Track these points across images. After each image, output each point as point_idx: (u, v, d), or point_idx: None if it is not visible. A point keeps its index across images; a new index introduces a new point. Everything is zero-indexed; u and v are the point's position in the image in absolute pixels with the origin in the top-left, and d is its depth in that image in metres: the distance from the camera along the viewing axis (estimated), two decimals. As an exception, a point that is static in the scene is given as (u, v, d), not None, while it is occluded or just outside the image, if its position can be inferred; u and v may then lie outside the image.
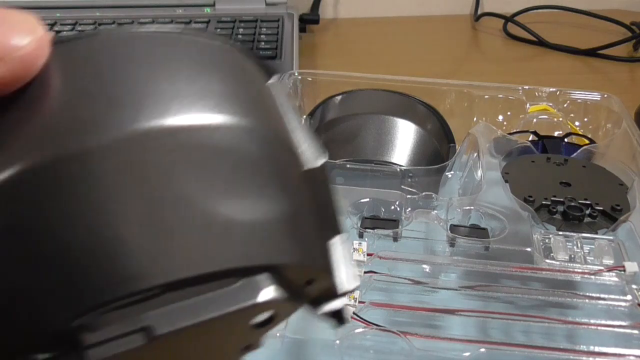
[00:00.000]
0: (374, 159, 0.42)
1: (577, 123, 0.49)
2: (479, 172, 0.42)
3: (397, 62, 0.71)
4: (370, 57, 0.72)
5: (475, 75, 0.67)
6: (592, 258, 0.36)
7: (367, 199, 0.39)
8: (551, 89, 0.50)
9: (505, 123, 0.49)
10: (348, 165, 0.41)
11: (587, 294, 0.33)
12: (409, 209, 0.39)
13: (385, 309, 0.32)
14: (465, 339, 0.30)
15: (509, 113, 0.49)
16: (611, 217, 0.38)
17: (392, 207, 0.39)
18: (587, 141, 0.47)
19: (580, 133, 0.48)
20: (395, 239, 0.37)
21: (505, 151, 0.45)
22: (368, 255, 0.35)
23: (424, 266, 0.35)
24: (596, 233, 0.37)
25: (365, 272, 0.34)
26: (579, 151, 0.45)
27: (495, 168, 0.42)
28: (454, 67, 0.73)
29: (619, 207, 0.38)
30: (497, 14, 0.83)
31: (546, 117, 0.48)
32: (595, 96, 0.49)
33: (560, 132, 0.48)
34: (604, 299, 0.32)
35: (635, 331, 0.31)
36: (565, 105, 0.49)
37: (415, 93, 0.49)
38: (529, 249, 0.35)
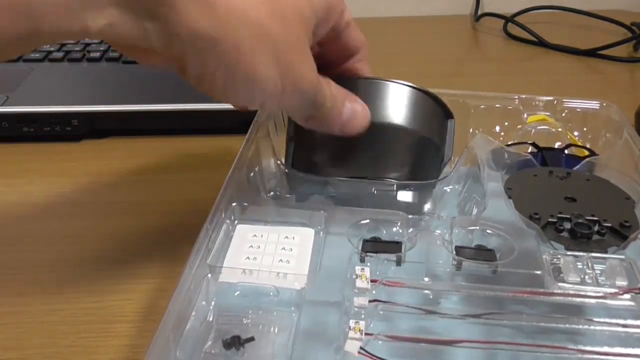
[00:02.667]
0: (367, 174, 0.41)
1: (576, 133, 0.49)
2: (482, 188, 0.41)
3: (396, 63, 0.70)
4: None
5: (475, 76, 0.67)
6: (604, 279, 0.35)
7: (367, 220, 0.38)
8: (548, 98, 0.49)
9: (502, 134, 0.49)
10: (341, 184, 0.40)
11: (602, 319, 0.32)
12: (411, 229, 0.37)
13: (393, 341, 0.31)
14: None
15: (506, 123, 0.49)
16: (620, 234, 0.38)
17: (394, 229, 0.37)
18: (587, 152, 0.46)
19: (580, 144, 0.47)
20: (398, 263, 0.35)
21: (503, 164, 0.44)
22: (372, 281, 0.34)
23: (427, 291, 0.34)
24: (606, 252, 0.36)
25: (370, 301, 0.32)
26: (581, 163, 0.44)
27: (496, 183, 0.41)
28: (453, 68, 0.72)
29: (627, 224, 0.38)
30: (497, 14, 0.83)
31: (545, 127, 0.48)
32: (594, 105, 0.49)
33: (560, 143, 0.47)
34: (620, 325, 0.32)
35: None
36: (563, 115, 0.49)
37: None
38: (539, 272, 0.34)
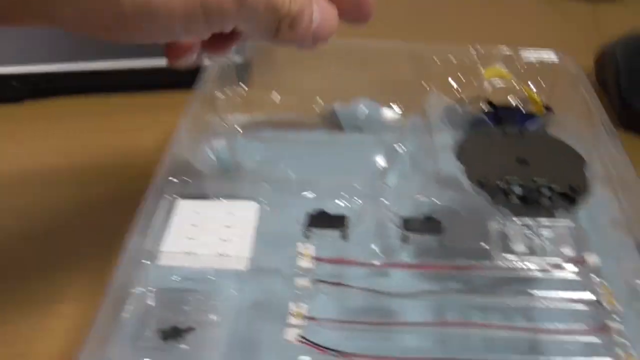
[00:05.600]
0: None
1: (534, 87, 0.48)
2: (433, 150, 0.40)
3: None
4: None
5: (431, 16, 0.65)
6: (553, 247, 0.35)
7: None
8: (505, 49, 0.49)
9: (457, 89, 0.48)
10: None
11: (546, 292, 0.32)
12: (359, 201, 0.37)
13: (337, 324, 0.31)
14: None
15: (462, 78, 0.48)
16: (570, 198, 0.38)
17: (336, 201, 0.37)
18: (543, 108, 0.46)
19: (537, 99, 0.47)
20: (344, 238, 0.35)
21: (456, 123, 0.44)
22: (316, 259, 0.34)
23: (373, 269, 0.34)
24: (554, 217, 0.37)
25: (313, 282, 0.32)
26: (536, 121, 0.44)
27: (447, 144, 0.41)
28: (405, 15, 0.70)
29: (577, 187, 0.38)
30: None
31: (501, 81, 0.47)
32: (551, 56, 0.48)
33: (515, 99, 0.47)
34: (562, 299, 0.32)
35: (594, 337, 0.30)
36: (519, 67, 0.48)
37: (357, 56, 0.47)
38: (486, 246, 0.34)
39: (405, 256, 0.36)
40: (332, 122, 0.50)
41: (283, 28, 0.30)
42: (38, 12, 0.27)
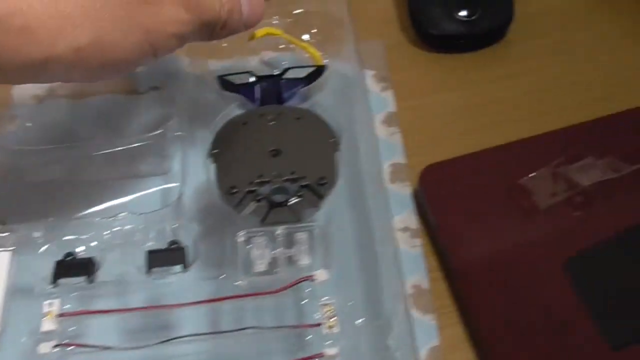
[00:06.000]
0: None
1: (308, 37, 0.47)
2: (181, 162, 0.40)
3: None
4: None
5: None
6: (291, 262, 0.36)
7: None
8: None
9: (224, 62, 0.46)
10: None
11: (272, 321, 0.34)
12: (106, 234, 0.38)
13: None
14: None
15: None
16: (318, 193, 0.38)
17: (88, 239, 0.38)
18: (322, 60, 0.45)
19: (314, 53, 0.45)
20: (90, 282, 0.37)
21: (217, 110, 0.43)
22: (60, 316, 0.35)
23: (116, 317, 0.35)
24: (299, 219, 0.38)
25: (55, 347, 0.34)
26: (296, 93, 0.43)
27: (202, 146, 0.41)
28: None
29: (323, 181, 0.38)
30: None
31: (273, 42, 0.46)
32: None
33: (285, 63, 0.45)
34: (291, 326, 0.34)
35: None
36: (289, 20, 0.46)
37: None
38: (222, 276, 0.36)
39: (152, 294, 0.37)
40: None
41: (217, 31, 0.34)
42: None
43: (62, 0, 0.28)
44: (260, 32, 0.45)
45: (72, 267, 0.37)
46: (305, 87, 0.44)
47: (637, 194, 0.41)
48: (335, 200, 0.39)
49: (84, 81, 0.31)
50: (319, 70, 0.45)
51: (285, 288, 0.35)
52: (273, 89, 0.44)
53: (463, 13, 0.52)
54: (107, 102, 0.48)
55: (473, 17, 0.52)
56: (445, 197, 0.43)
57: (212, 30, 0.34)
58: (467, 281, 0.39)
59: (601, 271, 0.38)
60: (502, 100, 0.50)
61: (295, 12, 0.47)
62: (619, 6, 0.56)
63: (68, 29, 0.28)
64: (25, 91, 0.48)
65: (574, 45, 0.53)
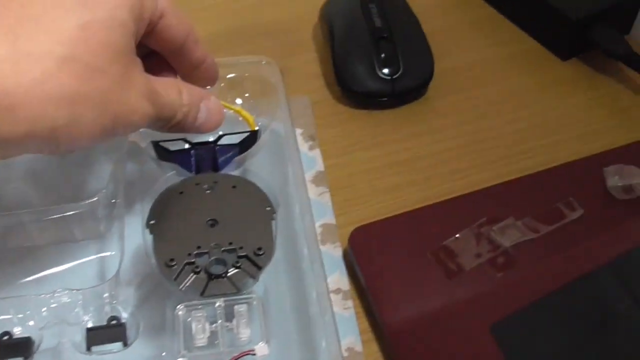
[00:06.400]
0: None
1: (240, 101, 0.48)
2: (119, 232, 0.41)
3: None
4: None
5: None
6: (231, 334, 0.37)
7: None
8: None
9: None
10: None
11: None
12: (44, 311, 0.38)
13: None
14: None
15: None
16: (255, 264, 0.39)
17: (25, 318, 0.38)
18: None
19: (247, 117, 0.46)
20: (27, 366, 0.36)
21: (154, 175, 0.43)
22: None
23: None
24: (239, 290, 0.38)
25: None
26: (229, 160, 0.44)
27: (139, 213, 0.41)
28: None
29: (261, 252, 0.39)
30: None
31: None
32: (253, 64, 0.48)
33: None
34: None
35: None
36: (222, 85, 0.47)
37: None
38: (163, 354, 0.36)
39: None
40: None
41: (168, 126, 0.37)
42: None
43: (49, 82, 0.29)
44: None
45: (9, 347, 0.36)
46: (240, 155, 0.45)
47: (556, 255, 0.44)
48: (272, 269, 0.40)
49: (49, 154, 0.33)
50: (253, 135, 0.46)
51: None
52: (208, 156, 0.45)
53: (385, 71, 0.54)
54: (38, 162, 0.48)
55: (395, 76, 0.54)
56: (374, 258, 0.44)
57: (166, 124, 0.36)
58: (398, 343, 0.41)
59: (527, 335, 0.40)
60: (425, 156, 0.52)
61: (228, 76, 0.48)
62: (533, 60, 0.60)
63: (49, 111, 0.29)
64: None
65: (491, 101, 0.56)
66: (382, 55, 0.55)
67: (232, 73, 0.48)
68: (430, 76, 0.56)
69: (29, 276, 0.42)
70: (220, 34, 0.61)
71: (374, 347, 0.42)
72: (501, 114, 0.55)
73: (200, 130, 0.39)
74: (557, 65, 0.59)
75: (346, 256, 0.46)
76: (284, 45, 0.60)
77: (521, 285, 0.42)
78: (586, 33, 0.57)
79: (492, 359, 0.39)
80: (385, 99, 0.55)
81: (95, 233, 0.44)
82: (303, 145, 0.51)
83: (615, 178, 0.47)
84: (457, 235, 0.45)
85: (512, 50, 0.60)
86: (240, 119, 0.47)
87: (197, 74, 0.40)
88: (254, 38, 0.61)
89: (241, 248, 0.39)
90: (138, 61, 0.34)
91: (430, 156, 0.52)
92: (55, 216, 0.42)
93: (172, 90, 0.36)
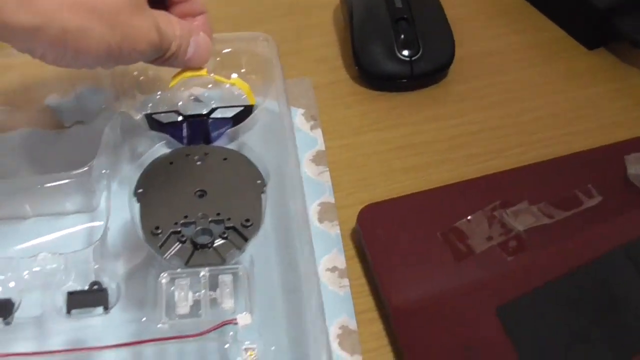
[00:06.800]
0: None
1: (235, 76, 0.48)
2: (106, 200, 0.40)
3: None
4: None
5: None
6: (215, 306, 0.36)
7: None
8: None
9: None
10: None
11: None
12: (25, 275, 0.38)
13: None
14: None
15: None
16: (242, 235, 0.39)
17: (6, 280, 0.37)
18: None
19: (246, 88, 0.46)
20: (7, 324, 0.36)
21: (144, 147, 0.43)
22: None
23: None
24: (224, 260, 0.38)
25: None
26: (222, 132, 0.44)
27: (128, 184, 0.41)
28: None
29: (248, 223, 0.39)
30: None
31: (195, 80, 0.46)
32: (247, 39, 0.47)
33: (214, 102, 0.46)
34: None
35: None
36: (218, 59, 0.47)
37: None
38: (144, 319, 0.36)
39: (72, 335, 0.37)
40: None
41: (162, 59, 0.38)
42: None
43: None
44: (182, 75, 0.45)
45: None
46: (233, 128, 0.44)
47: (570, 241, 0.43)
48: (262, 241, 0.40)
49: (53, 62, 0.34)
50: (247, 110, 0.46)
51: (207, 331, 0.35)
52: (200, 129, 0.45)
53: (404, 52, 0.54)
54: (30, 136, 0.48)
55: (414, 58, 0.54)
56: (382, 237, 0.44)
57: (162, 56, 0.38)
58: (403, 322, 0.40)
59: (533, 319, 0.39)
60: (441, 140, 0.52)
61: (224, 51, 0.47)
62: (553, 48, 0.59)
63: (64, 12, 0.31)
64: None
65: (512, 88, 0.56)
66: (402, 37, 0.54)
67: (228, 48, 0.47)
68: (450, 60, 0.55)
69: (16, 245, 0.42)
70: (239, 14, 0.62)
71: (379, 327, 0.41)
72: (522, 101, 0.54)
73: (189, 65, 0.40)
74: (582, 55, 0.59)
75: (354, 234, 0.45)
76: (304, 27, 0.60)
77: (531, 269, 0.42)
78: (613, 22, 0.56)
79: (497, 342, 0.38)
80: (404, 80, 0.54)
81: (86, 206, 0.44)
82: (304, 125, 0.51)
83: (636, 166, 0.46)
84: (469, 218, 0.44)
85: (536, 38, 0.60)
86: (236, 93, 0.47)
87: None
88: (273, 19, 0.61)
89: (229, 219, 0.39)
90: None
91: (446, 140, 0.52)
92: (46, 185, 0.42)
93: (168, 22, 0.37)
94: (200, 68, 0.41)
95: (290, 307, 0.40)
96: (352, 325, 0.41)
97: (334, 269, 0.43)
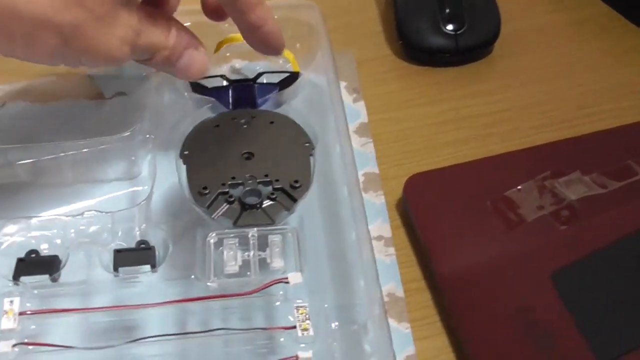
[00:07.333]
0: None
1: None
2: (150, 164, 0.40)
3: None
4: None
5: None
6: (268, 260, 0.36)
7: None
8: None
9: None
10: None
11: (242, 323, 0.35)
12: (72, 233, 0.37)
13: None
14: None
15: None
16: (291, 196, 0.39)
17: (53, 237, 0.37)
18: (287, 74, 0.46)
19: (291, 58, 0.46)
20: (54, 281, 0.36)
21: (187, 113, 0.43)
22: (20, 315, 0.34)
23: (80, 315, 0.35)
24: (273, 221, 0.38)
25: (14, 346, 0.33)
26: (269, 98, 0.44)
27: (172, 149, 0.41)
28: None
29: (297, 184, 0.39)
30: None
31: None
32: (294, 7, 0.47)
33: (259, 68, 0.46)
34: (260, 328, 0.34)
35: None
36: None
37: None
38: (192, 276, 0.35)
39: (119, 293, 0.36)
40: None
41: (150, 64, 0.36)
42: None
43: None
44: (228, 38, 0.46)
45: (35, 265, 0.36)
46: (279, 94, 0.44)
47: (623, 209, 0.42)
48: (308, 206, 0.39)
49: (7, 55, 0.33)
50: (292, 76, 0.46)
51: (259, 289, 0.35)
52: (246, 94, 0.44)
53: (449, 27, 0.53)
54: (71, 106, 0.48)
55: (459, 32, 0.53)
56: (430, 206, 0.43)
57: (143, 62, 0.36)
58: (452, 291, 0.40)
59: (589, 284, 0.39)
60: (487, 114, 0.51)
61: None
62: (601, 25, 0.58)
63: (11, 21, 0.30)
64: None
65: (558, 64, 0.55)
66: (447, 11, 0.54)
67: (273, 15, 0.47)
68: (495, 35, 0.54)
69: (60, 208, 0.41)
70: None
71: (426, 296, 0.41)
72: (567, 77, 0.54)
73: (176, 75, 0.37)
74: (630, 32, 0.57)
75: (399, 205, 0.45)
76: (345, 3, 0.60)
77: (584, 236, 0.41)
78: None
79: (551, 307, 0.37)
80: (448, 55, 0.54)
81: (128, 172, 0.44)
82: (347, 98, 0.50)
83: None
84: (519, 187, 0.43)
85: (584, 14, 0.59)
86: (281, 61, 0.46)
87: (253, 38, 0.38)
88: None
89: (277, 181, 0.39)
90: None
91: (492, 114, 0.51)
92: (88, 149, 0.42)
93: (160, 30, 0.35)
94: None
95: (338, 269, 0.39)
96: (400, 293, 0.40)
97: (379, 238, 0.43)
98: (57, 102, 0.48)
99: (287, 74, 0.46)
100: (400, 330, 0.38)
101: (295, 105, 0.45)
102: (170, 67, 0.37)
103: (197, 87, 0.44)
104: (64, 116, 0.48)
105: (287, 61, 0.47)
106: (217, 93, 0.44)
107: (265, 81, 0.45)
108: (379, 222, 0.43)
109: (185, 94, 0.45)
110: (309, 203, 0.39)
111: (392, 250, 0.42)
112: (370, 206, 0.44)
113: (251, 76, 0.46)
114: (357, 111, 0.50)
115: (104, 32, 0.32)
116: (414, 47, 0.54)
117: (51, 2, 0.30)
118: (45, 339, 0.34)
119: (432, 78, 0.53)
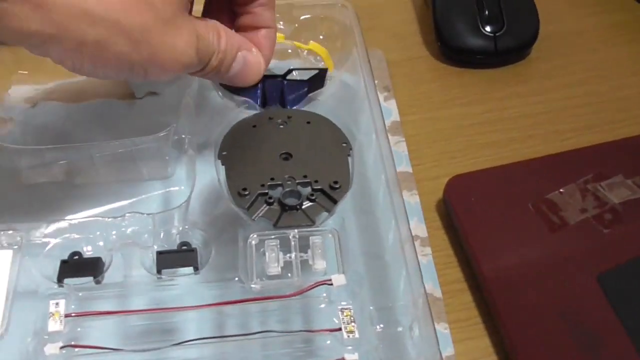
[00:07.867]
0: None
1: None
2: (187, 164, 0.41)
3: None
4: None
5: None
6: (309, 260, 0.37)
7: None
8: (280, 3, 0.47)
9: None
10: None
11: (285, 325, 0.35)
12: (113, 235, 0.38)
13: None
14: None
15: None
16: (331, 197, 0.39)
17: (95, 239, 0.38)
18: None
19: (324, 55, 0.46)
20: (98, 282, 0.36)
21: (219, 113, 0.43)
22: (66, 317, 0.35)
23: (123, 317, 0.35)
24: (313, 222, 0.38)
25: (62, 348, 0.34)
26: (299, 97, 0.44)
27: (207, 149, 0.41)
28: None
29: (337, 185, 0.39)
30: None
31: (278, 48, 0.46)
32: (328, 7, 0.47)
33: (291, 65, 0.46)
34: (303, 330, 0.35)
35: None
36: (296, 25, 0.47)
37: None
38: (236, 278, 0.36)
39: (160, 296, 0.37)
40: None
41: (206, 73, 0.36)
42: None
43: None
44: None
45: (79, 267, 0.36)
46: (310, 93, 0.44)
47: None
48: (345, 207, 0.40)
49: (74, 70, 0.32)
50: (322, 74, 0.46)
51: (302, 291, 0.35)
52: (276, 90, 0.45)
53: (488, 28, 0.53)
54: (103, 106, 0.48)
55: (498, 34, 0.53)
56: (472, 208, 0.44)
57: (200, 70, 0.36)
58: (495, 293, 0.40)
59: (636, 287, 0.39)
60: (526, 116, 0.52)
61: (302, 17, 0.48)
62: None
63: (82, 24, 0.30)
64: (18, 93, 0.48)
65: (597, 67, 0.55)
66: (486, 12, 0.54)
67: (307, 14, 0.47)
68: (534, 37, 0.55)
69: (96, 208, 0.42)
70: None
71: (468, 298, 0.41)
72: (607, 80, 0.54)
73: (233, 82, 0.38)
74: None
75: (439, 206, 0.45)
76: (380, 3, 0.60)
77: (629, 239, 0.41)
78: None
79: (599, 309, 0.38)
80: (487, 56, 0.54)
81: (162, 171, 0.44)
82: (378, 96, 0.50)
83: None
84: (561, 190, 0.44)
85: (622, 17, 0.59)
86: (313, 60, 0.47)
87: (252, 36, 0.38)
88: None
89: (316, 182, 0.39)
90: (187, 2, 0.34)
91: (531, 116, 0.51)
92: (123, 149, 0.42)
93: (211, 33, 0.35)
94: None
95: (376, 271, 0.40)
96: (437, 293, 0.41)
97: (415, 238, 0.43)
98: (88, 102, 0.48)
99: (317, 71, 0.46)
100: (439, 330, 0.39)
101: (327, 104, 0.45)
102: (225, 72, 0.37)
103: (227, 85, 0.45)
104: (96, 116, 0.48)
105: (320, 60, 0.47)
106: (246, 90, 0.44)
107: (295, 77, 0.45)
108: (414, 221, 0.44)
109: (219, 93, 0.45)
110: (344, 203, 0.39)
111: (428, 250, 0.43)
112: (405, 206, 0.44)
113: (281, 72, 0.46)
114: (389, 110, 0.50)
115: (171, 35, 0.32)
116: (453, 48, 0.54)
117: (122, 2, 0.30)
118: (89, 341, 0.35)
119: (470, 79, 0.54)
